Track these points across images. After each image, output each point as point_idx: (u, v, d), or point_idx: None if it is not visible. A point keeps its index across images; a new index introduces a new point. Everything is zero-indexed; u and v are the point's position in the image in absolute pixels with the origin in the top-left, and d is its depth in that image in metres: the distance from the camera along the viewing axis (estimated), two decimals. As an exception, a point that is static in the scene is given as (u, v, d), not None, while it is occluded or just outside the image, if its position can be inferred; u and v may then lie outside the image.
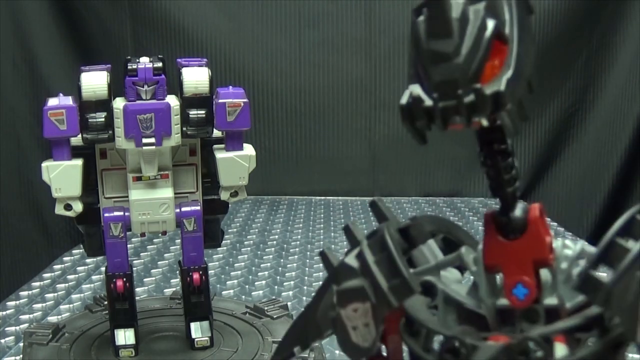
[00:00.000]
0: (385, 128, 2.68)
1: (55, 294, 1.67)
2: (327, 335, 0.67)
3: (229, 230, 2.20)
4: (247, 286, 1.73)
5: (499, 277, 0.62)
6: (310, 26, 2.61)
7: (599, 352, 0.57)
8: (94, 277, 1.77)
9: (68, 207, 1.17)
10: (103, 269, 1.26)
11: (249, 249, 2.03)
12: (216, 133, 1.22)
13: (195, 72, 1.19)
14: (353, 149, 2.71)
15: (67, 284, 1.73)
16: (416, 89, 0.55)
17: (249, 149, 1.22)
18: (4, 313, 1.56)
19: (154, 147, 1.15)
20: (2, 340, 1.41)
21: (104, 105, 1.14)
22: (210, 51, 2.56)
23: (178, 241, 1.87)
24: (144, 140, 1.14)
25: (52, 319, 1.48)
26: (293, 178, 2.71)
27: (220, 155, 1.21)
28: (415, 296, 0.62)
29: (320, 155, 2.71)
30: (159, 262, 1.90)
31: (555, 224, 2.26)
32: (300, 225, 2.30)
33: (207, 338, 1.24)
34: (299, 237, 2.16)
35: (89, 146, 1.18)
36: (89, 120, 1.14)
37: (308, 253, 1.99)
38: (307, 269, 1.85)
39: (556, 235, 2.11)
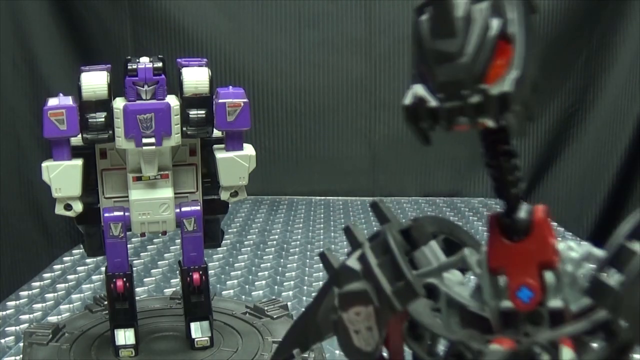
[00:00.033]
0: (385, 128, 2.68)
1: (55, 294, 1.67)
2: (328, 337, 0.66)
3: (229, 230, 2.20)
4: (247, 286, 1.73)
5: (502, 279, 0.62)
6: (310, 26, 2.61)
7: (606, 357, 0.57)
8: (94, 277, 1.77)
9: (68, 207, 1.17)
10: (103, 269, 1.26)
11: (249, 249, 2.03)
12: (216, 133, 1.22)
13: (195, 72, 1.18)
14: (353, 149, 2.71)
15: (67, 284, 1.73)
16: (420, 89, 0.55)
17: (249, 149, 1.22)
18: (4, 313, 1.56)
19: (154, 147, 1.15)
20: (2, 340, 1.41)
21: (104, 105, 1.14)
22: (210, 51, 2.56)
23: (178, 241, 1.87)
24: (144, 140, 1.14)
25: (52, 319, 1.48)
26: (293, 178, 2.71)
27: (220, 155, 1.21)
28: (418, 299, 0.61)
29: (320, 155, 2.71)
30: (159, 262, 1.90)
31: (555, 224, 2.26)
32: (300, 225, 2.30)
33: (207, 338, 1.24)
34: (299, 237, 2.16)
35: (89, 146, 1.18)
36: (89, 120, 1.14)
37: (308, 253, 1.99)
38: (307, 269, 1.85)
39: (556, 235, 2.11)
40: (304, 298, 1.64)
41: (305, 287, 1.71)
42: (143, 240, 2.04)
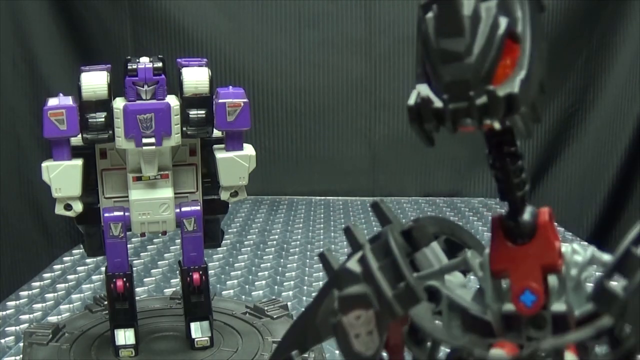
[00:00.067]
0: (385, 128, 2.68)
1: (55, 294, 1.66)
2: (327, 340, 0.65)
3: (229, 230, 2.20)
4: (247, 286, 1.73)
5: (505, 282, 0.61)
6: (310, 26, 2.61)
7: None
8: (94, 277, 1.77)
9: (68, 207, 1.17)
10: (103, 269, 1.26)
11: (249, 249, 2.03)
12: (216, 133, 1.22)
13: (195, 72, 1.18)
14: (353, 149, 2.71)
15: (67, 284, 1.73)
16: (424, 89, 0.53)
17: (249, 149, 1.22)
18: (4, 313, 1.56)
19: (154, 147, 1.15)
20: (2, 340, 1.41)
21: (104, 105, 1.14)
22: (210, 51, 2.56)
23: (178, 241, 1.87)
24: (144, 140, 1.14)
25: (52, 319, 1.48)
26: (293, 178, 2.71)
27: (220, 155, 1.21)
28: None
29: (320, 155, 2.71)
30: (159, 262, 1.90)
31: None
32: (300, 225, 2.30)
33: (207, 338, 1.24)
34: (299, 237, 2.16)
35: (89, 146, 1.18)
36: (89, 120, 1.14)
37: (308, 253, 1.99)
38: (307, 269, 1.85)
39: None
40: (304, 298, 1.64)
41: (305, 287, 1.71)
42: (143, 240, 2.04)
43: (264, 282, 1.76)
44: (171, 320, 1.35)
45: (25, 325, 1.45)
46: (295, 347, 0.68)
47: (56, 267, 1.87)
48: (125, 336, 1.21)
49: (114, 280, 1.21)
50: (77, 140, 1.16)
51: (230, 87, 1.21)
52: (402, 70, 2.61)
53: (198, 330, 1.24)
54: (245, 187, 1.23)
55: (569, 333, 0.58)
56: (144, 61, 1.14)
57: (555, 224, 0.61)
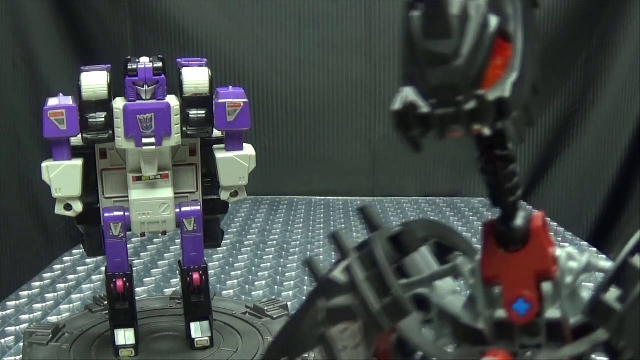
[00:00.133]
0: (385, 128, 2.68)
1: (55, 294, 1.66)
2: (312, 350, 0.63)
3: (229, 230, 2.20)
4: (247, 286, 1.73)
5: (497, 289, 0.59)
6: (310, 26, 2.61)
7: None
8: (94, 277, 1.77)
9: (68, 207, 1.17)
10: (103, 269, 1.26)
11: (249, 249, 2.03)
12: (216, 133, 1.22)
13: (195, 72, 1.18)
14: (353, 149, 2.71)
15: (67, 284, 1.73)
16: (410, 94, 0.51)
17: (249, 149, 1.22)
18: (4, 313, 1.56)
19: (154, 147, 1.15)
20: (2, 340, 1.41)
21: (104, 105, 1.14)
22: (210, 51, 2.56)
23: (178, 241, 1.87)
24: (144, 140, 1.14)
25: (52, 319, 1.48)
26: (293, 178, 2.71)
27: (220, 155, 1.21)
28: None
29: (320, 155, 2.71)
30: (159, 262, 1.90)
31: (555, 224, 2.26)
32: (300, 225, 2.30)
33: (207, 338, 1.24)
34: (299, 237, 2.16)
35: (89, 146, 1.18)
36: (89, 120, 1.14)
37: (308, 253, 1.99)
38: (307, 269, 1.85)
39: (556, 235, 2.11)
40: (304, 298, 1.63)
41: (305, 287, 1.71)
42: (143, 240, 2.04)
43: (264, 282, 1.76)
44: (171, 320, 1.35)
45: (25, 325, 1.44)
46: (283, 355, 0.66)
47: (56, 267, 1.87)
48: (125, 336, 1.21)
49: (114, 280, 1.21)
50: (77, 140, 1.16)
51: (230, 87, 1.21)
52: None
53: (198, 330, 1.24)
54: (245, 187, 1.23)
55: (564, 348, 0.56)
56: (144, 61, 1.14)
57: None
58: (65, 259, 1.93)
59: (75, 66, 2.09)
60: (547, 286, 0.58)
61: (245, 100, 1.18)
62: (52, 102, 1.14)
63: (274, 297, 1.58)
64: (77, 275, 1.79)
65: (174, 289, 1.57)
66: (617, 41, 2.60)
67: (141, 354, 1.21)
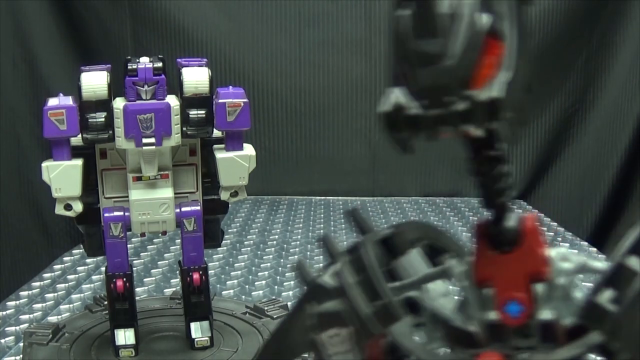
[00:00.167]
0: (386, 128, 2.68)
1: (55, 294, 1.66)
2: (302, 355, 0.63)
3: (229, 230, 2.20)
4: (247, 286, 1.73)
5: (489, 291, 0.58)
6: (310, 26, 2.61)
7: None
8: (94, 277, 1.77)
9: (68, 207, 1.17)
10: (103, 269, 1.26)
11: (249, 249, 2.03)
12: (216, 133, 1.22)
13: (195, 72, 1.18)
14: (353, 149, 2.71)
15: (67, 284, 1.73)
16: (399, 95, 0.49)
17: (249, 149, 1.22)
18: (4, 313, 1.56)
19: (154, 147, 1.15)
20: (2, 340, 1.41)
21: (104, 105, 1.14)
22: (210, 51, 2.56)
23: (178, 241, 1.87)
24: (144, 140, 1.14)
25: (52, 319, 1.48)
26: (293, 178, 2.71)
27: (220, 155, 1.21)
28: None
29: (320, 155, 2.71)
30: (159, 262, 1.90)
31: (555, 224, 2.26)
32: (300, 225, 2.30)
33: (207, 338, 1.24)
34: (299, 237, 2.16)
35: (89, 146, 1.18)
36: (89, 120, 1.14)
37: (308, 253, 1.99)
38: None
39: (556, 235, 2.11)
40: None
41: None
42: (143, 240, 2.04)
43: (264, 282, 1.76)
44: (171, 320, 1.35)
45: (25, 325, 1.44)
46: None
47: (56, 267, 1.87)
48: (125, 336, 1.21)
49: (114, 280, 1.21)
50: (77, 140, 1.16)
51: (230, 87, 1.21)
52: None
53: (198, 330, 1.24)
54: (245, 187, 1.23)
55: (558, 350, 0.56)
56: (144, 61, 1.14)
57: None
58: (65, 259, 1.93)
59: (75, 66, 2.09)
60: (540, 287, 0.57)
61: (245, 100, 1.18)
62: (52, 102, 1.14)
63: (274, 297, 1.58)
64: (77, 275, 1.79)
65: (174, 289, 1.57)
66: (617, 41, 2.60)
67: (141, 354, 1.22)
